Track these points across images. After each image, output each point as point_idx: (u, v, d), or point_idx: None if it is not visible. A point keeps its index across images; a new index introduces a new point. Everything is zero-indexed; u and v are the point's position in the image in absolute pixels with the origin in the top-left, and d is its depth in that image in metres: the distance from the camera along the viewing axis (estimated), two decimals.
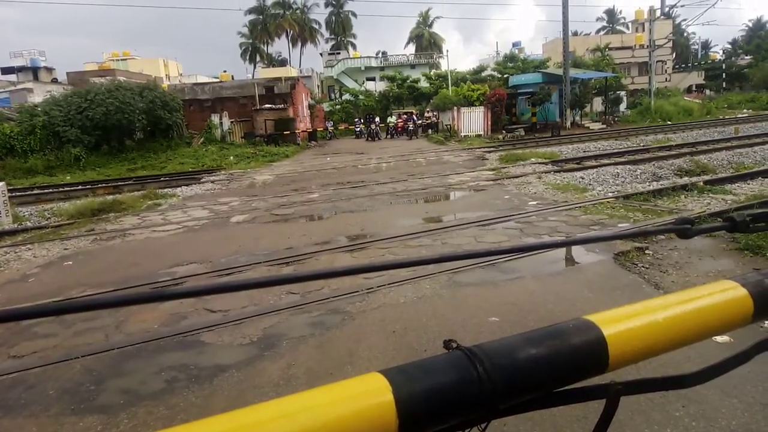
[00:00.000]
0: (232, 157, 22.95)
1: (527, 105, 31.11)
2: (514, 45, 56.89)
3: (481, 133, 28.61)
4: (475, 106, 30.02)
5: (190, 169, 20.41)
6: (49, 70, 45.27)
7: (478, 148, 21.99)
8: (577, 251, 6.04)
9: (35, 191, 16.35)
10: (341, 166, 18.39)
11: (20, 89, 33.80)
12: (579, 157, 16.25)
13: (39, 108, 22.86)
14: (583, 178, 11.76)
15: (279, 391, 3.40)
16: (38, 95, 29.11)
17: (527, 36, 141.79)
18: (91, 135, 22.39)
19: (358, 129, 35.05)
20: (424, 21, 64.61)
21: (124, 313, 4.95)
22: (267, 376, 3.64)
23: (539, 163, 15.17)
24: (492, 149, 20.78)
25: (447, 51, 46.64)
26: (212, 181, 16.57)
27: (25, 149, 21.57)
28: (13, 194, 13.60)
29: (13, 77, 42.24)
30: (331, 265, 6.34)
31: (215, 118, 27.89)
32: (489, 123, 29.11)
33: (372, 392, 0.54)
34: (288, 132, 29.10)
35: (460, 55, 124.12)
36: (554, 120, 29.71)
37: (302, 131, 31.64)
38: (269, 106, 30.28)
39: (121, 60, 48.61)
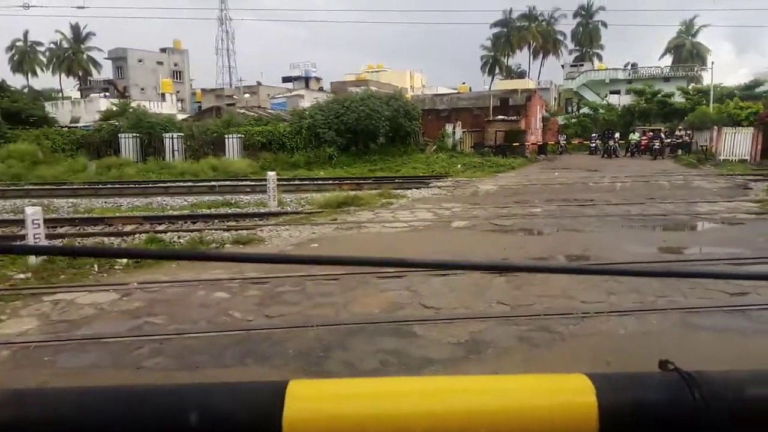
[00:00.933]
0: (459, 165, 23.72)
1: None
2: None
3: (747, 158, 24.22)
4: (743, 126, 25.58)
5: (421, 174, 21.69)
6: (318, 79, 53.06)
7: (741, 175, 18.71)
8: None
9: (296, 182, 19.25)
10: (570, 182, 17.54)
11: (294, 95, 40.44)
12: None
13: (306, 112, 26.90)
14: None
15: None
16: (307, 101, 34.34)
17: None
18: (343, 137, 25.44)
19: (594, 145, 32.89)
20: (687, 30, 57.33)
21: (351, 295, 5.60)
22: None
23: None
24: (759, 178, 17.43)
25: (712, 63, 40.42)
26: (439, 187, 17.38)
27: (292, 146, 25.57)
28: (280, 183, 16.19)
29: (290, 85, 50.63)
30: (545, 282, 6.12)
31: (449, 128, 29.15)
32: (758, 147, 24.43)
33: (575, 391, 0.55)
34: (517, 144, 28.85)
35: (729, 68, 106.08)
36: None
37: (532, 144, 31.03)
38: (502, 117, 30.42)
39: (375, 72, 54.23)
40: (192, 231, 9.55)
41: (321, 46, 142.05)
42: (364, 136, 25.79)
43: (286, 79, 53.66)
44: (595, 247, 8.00)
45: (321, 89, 47.36)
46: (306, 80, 51.59)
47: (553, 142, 34.76)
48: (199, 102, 51.15)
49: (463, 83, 54.39)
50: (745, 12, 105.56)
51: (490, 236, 9.07)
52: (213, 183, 18.51)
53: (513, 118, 30.23)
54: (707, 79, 40.05)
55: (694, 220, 10.54)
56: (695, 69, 47.97)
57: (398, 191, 15.89)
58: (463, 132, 29.41)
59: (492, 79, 62.47)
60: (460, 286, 5.79)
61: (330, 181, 18.81)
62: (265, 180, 13.38)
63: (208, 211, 12.37)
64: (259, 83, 50.89)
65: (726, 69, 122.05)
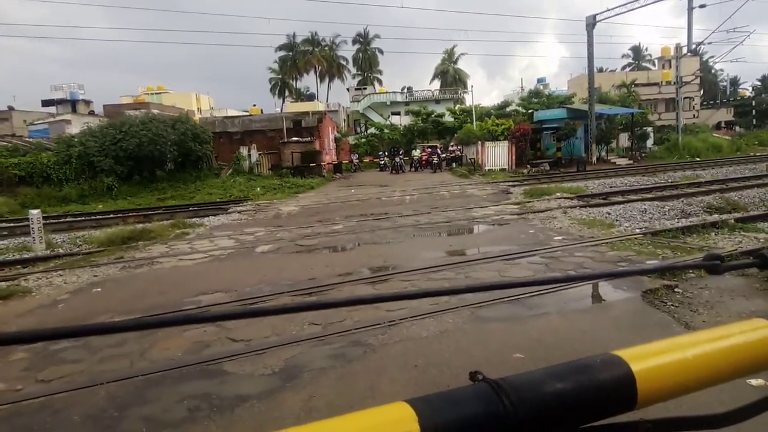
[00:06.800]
0: (258, 188, 23.34)
1: (552, 140, 31.06)
2: (539, 81, 57.19)
3: (506, 167, 28.60)
4: (500, 140, 30.12)
5: (218, 200, 20.80)
6: (87, 102, 47.21)
7: (503, 182, 21.94)
8: (603, 288, 5.92)
9: (68, 219, 16.83)
10: (365, 198, 18.52)
11: (59, 120, 35.27)
12: (605, 192, 16.08)
13: (75, 139, 23.74)
14: (609, 214, 11.60)
15: (299, 423, 3.31)
16: (76, 127, 30.28)
17: (551, 72, 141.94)
18: (123, 165, 23.08)
19: (383, 162, 35.39)
20: (449, 58, 65.66)
21: (148, 340, 5.01)
22: (288, 407, 3.62)
23: (565, 197, 15.03)
24: (516, 183, 20.71)
25: (471, 86, 47.32)
26: (239, 212, 16.83)
27: (61, 178, 22.34)
28: (47, 221, 14.00)
29: (53, 109, 44.12)
30: (353, 295, 6.32)
31: (244, 150, 28.53)
32: (513, 157, 29.10)
33: (398, 422, 0.54)
34: (314, 164, 29.56)
35: (484, 91, 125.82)
36: (580, 155, 29.56)
37: (328, 163, 32.10)
38: (296, 138, 30.88)
39: (156, 94, 50.44)
40: None
41: (88, 66, 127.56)
42: (148, 162, 23.78)
43: (46, 103, 46.64)
44: (393, 257, 8.52)
45: (92, 113, 42.22)
46: (72, 103, 45.55)
47: (347, 161, 36.46)
48: None
49: (254, 105, 53.88)
50: (492, 43, 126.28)
51: (296, 257, 9.03)
52: None
53: (307, 139, 30.92)
54: (469, 101, 46.39)
55: (471, 223, 11.94)
56: (459, 92, 55.09)
57: (194, 220, 14.98)
58: (259, 154, 29.08)
59: (283, 102, 63.16)
60: None
61: (111, 215, 16.87)
62: (28, 220, 11.35)
63: None
64: (11, 108, 43.24)
65: (482, 91, 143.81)
